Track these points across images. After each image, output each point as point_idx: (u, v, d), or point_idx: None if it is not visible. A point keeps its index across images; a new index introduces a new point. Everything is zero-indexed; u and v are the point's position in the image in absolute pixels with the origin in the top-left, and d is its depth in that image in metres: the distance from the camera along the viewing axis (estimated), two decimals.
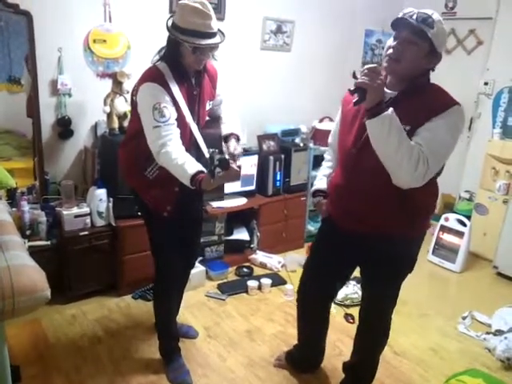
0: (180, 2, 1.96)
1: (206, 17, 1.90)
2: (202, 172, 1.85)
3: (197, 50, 1.93)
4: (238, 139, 2.18)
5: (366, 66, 1.60)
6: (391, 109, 1.58)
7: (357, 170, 1.82)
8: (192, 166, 1.87)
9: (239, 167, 1.92)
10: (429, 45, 1.65)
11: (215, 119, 2.32)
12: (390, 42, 1.71)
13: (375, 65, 1.62)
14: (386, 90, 1.68)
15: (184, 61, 2.00)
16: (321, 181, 2.15)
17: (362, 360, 2.23)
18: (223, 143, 2.17)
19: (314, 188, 2.16)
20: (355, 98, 1.60)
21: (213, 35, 1.94)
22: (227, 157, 1.84)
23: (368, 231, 1.84)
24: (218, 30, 1.99)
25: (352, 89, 1.60)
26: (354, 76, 1.62)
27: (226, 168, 1.79)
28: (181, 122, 2.00)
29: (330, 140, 2.16)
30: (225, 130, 2.22)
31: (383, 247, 1.86)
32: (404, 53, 1.65)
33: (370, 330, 2.15)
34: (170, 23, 1.97)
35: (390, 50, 1.69)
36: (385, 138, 1.58)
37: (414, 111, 1.66)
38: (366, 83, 1.56)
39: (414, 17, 1.65)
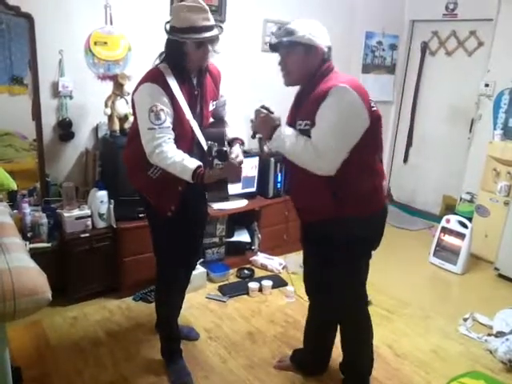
0: (173, 5, 1.99)
1: (202, 11, 1.95)
2: (202, 166, 1.90)
3: (201, 44, 1.96)
4: (242, 144, 2.20)
5: (255, 110, 1.96)
6: (280, 127, 1.89)
7: (292, 170, 2.02)
8: (192, 161, 1.93)
9: (241, 162, 2.00)
10: (302, 47, 1.86)
11: (219, 120, 2.33)
12: (278, 62, 1.98)
13: (258, 106, 1.97)
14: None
15: (189, 60, 2.02)
16: None
17: (352, 355, 2.26)
18: (227, 145, 2.18)
19: None
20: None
21: (211, 28, 1.98)
22: (225, 149, 1.86)
23: (314, 219, 2.02)
24: (215, 23, 2.03)
25: (251, 135, 2.02)
26: (251, 122, 1.99)
27: (224, 159, 1.81)
28: (181, 121, 2.01)
29: None
30: (229, 134, 2.23)
31: (327, 231, 1.98)
32: (288, 65, 1.92)
33: (343, 324, 2.23)
34: (168, 27, 2.00)
35: (280, 68, 1.97)
36: (282, 150, 1.90)
37: (309, 104, 1.85)
38: (254, 126, 1.97)
39: (276, 36, 1.95)
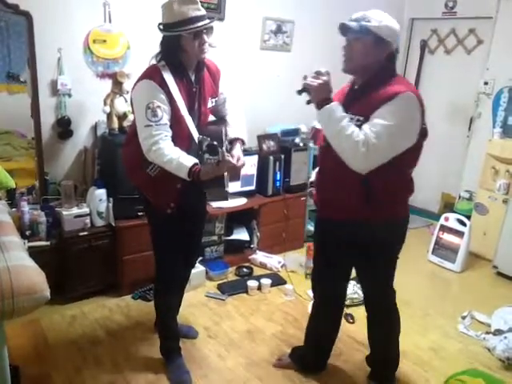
0: (162, 4, 1.99)
1: (192, 2, 1.96)
2: (198, 164, 1.90)
3: (196, 35, 1.96)
4: (243, 143, 2.19)
5: (315, 70, 1.87)
6: (335, 103, 1.82)
7: (326, 161, 2.02)
8: (188, 159, 1.92)
9: (242, 165, 1.99)
10: (373, 36, 1.81)
11: (220, 119, 2.32)
12: (342, 46, 1.92)
13: (323, 69, 1.86)
14: (355, 87, 1.95)
15: (186, 55, 2.02)
16: (314, 172, 2.29)
17: (380, 352, 2.30)
18: (226, 143, 2.17)
19: (310, 179, 2.29)
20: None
21: (203, 17, 1.98)
22: (215, 143, 1.85)
23: (341, 218, 1.99)
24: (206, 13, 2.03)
25: (299, 90, 1.91)
26: (304, 78, 1.90)
27: (214, 154, 1.80)
28: (177, 118, 2.01)
29: None
30: (230, 133, 2.21)
31: (356, 233, 1.97)
32: (352, 50, 1.87)
33: (375, 320, 2.24)
34: (161, 27, 2.01)
35: (343, 52, 1.91)
36: (326, 126, 1.85)
37: (368, 103, 1.82)
38: (307, 84, 1.87)
39: (353, 18, 1.88)
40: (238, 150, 2.12)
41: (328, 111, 1.81)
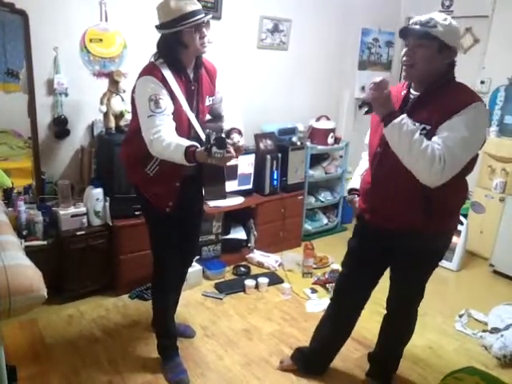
0: (157, 5, 2.00)
1: None
2: (195, 146, 1.87)
3: (197, 28, 1.97)
4: (239, 133, 2.18)
5: (373, 80, 1.73)
6: (403, 116, 1.70)
7: (381, 169, 1.92)
8: (185, 141, 1.90)
9: (241, 147, 1.99)
10: (437, 43, 1.72)
11: (217, 117, 2.33)
12: (404, 51, 1.81)
13: (382, 78, 1.73)
14: (412, 91, 1.85)
15: (187, 51, 2.02)
16: (355, 179, 2.23)
17: (390, 352, 2.30)
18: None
19: (349, 186, 2.26)
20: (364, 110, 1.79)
21: (200, 11, 1.99)
22: (223, 135, 1.85)
23: (393, 227, 1.92)
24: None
25: (360, 104, 1.81)
26: (363, 89, 1.73)
27: (222, 147, 1.80)
28: (179, 113, 2.02)
29: (365, 141, 2.18)
30: (227, 125, 2.22)
31: (408, 242, 1.93)
32: (416, 57, 1.76)
33: (396, 322, 2.23)
34: (160, 27, 2.02)
35: (404, 58, 1.79)
36: (397, 143, 1.72)
37: (435, 110, 1.73)
38: (371, 98, 1.74)
39: (417, 23, 1.76)
40: (236, 136, 2.11)
41: (398, 125, 1.69)
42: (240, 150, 2.01)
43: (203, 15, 1.98)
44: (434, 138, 1.70)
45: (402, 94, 1.90)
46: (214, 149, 1.79)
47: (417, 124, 1.73)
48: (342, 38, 4.44)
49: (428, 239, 1.91)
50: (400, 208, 1.88)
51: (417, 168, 1.70)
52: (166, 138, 1.90)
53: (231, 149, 1.87)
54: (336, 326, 2.30)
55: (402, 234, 1.91)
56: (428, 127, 1.73)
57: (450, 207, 1.91)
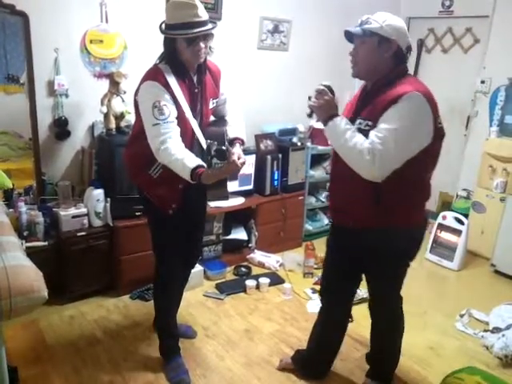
0: (166, 3, 1.98)
1: (192, 7, 1.93)
2: (202, 166, 1.88)
3: (190, 41, 1.94)
4: (242, 143, 2.18)
5: (316, 88, 1.87)
6: (338, 117, 1.82)
7: (336, 167, 1.98)
8: (191, 160, 1.90)
9: (243, 163, 1.96)
10: (377, 37, 1.80)
11: (220, 119, 2.32)
12: (350, 52, 1.92)
13: (322, 87, 1.87)
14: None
15: (183, 58, 2.01)
16: None
17: (379, 351, 2.30)
18: (227, 144, 2.17)
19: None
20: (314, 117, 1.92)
21: (203, 24, 1.95)
22: (224, 148, 1.85)
23: (351, 224, 1.96)
24: (209, 19, 2.00)
25: (307, 112, 1.93)
26: (309, 99, 1.90)
27: (223, 159, 1.80)
28: (181, 119, 2.01)
29: None
30: (230, 133, 2.20)
31: (366, 239, 1.94)
32: (358, 55, 1.87)
33: (377, 320, 2.25)
34: (163, 26, 2.01)
35: (350, 58, 1.91)
36: (333, 143, 1.86)
37: (377, 105, 1.79)
38: (312, 105, 1.88)
39: (357, 24, 1.88)
40: (238, 149, 2.10)
41: (332, 127, 1.82)
42: (240, 167, 1.98)
43: (202, 29, 1.94)
44: (371, 132, 1.75)
45: (358, 94, 1.98)
46: (215, 160, 1.80)
47: (361, 121, 1.82)
48: (342, 38, 4.38)
49: (382, 236, 1.90)
50: (353, 204, 1.93)
51: (351, 163, 1.79)
52: (172, 150, 1.90)
53: (235, 156, 1.86)
54: (327, 323, 2.31)
55: (358, 230, 1.94)
56: (370, 123, 1.79)
57: (404, 204, 1.88)
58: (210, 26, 1.98)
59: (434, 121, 1.76)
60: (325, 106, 1.85)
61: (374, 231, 1.90)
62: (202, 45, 1.98)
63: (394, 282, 2.12)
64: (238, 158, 2.01)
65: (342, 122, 1.81)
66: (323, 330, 2.32)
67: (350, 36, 1.90)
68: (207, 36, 2.00)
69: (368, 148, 1.71)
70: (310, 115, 1.93)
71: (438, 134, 1.81)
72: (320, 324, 2.33)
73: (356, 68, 1.89)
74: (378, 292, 2.17)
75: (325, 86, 1.88)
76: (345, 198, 1.97)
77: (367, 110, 1.84)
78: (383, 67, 1.84)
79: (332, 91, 1.89)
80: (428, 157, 1.82)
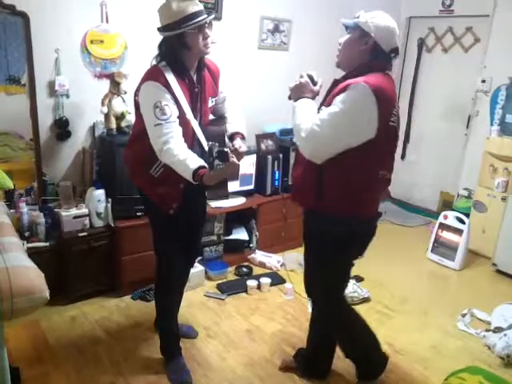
0: (159, 7, 2.01)
1: None
2: (204, 167, 1.88)
3: (200, 29, 1.97)
4: (243, 138, 2.20)
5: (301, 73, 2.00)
6: (300, 101, 1.93)
7: (297, 150, 1.99)
8: (194, 161, 1.90)
9: (243, 152, 2.03)
10: (359, 30, 1.86)
11: (220, 117, 2.33)
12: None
13: (310, 72, 2.01)
14: None
15: (190, 52, 2.02)
16: None
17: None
18: (228, 141, 2.19)
19: None
20: None
21: (202, 12, 1.99)
22: (226, 149, 1.85)
23: (300, 205, 2.09)
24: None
25: (289, 96, 2.02)
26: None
27: (224, 160, 1.81)
28: (182, 119, 2.02)
29: None
30: (230, 129, 2.23)
31: (308, 221, 2.08)
32: (342, 45, 1.94)
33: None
34: (163, 29, 2.01)
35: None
36: (292, 119, 1.92)
37: (333, 95, 1.84)
38: (289, 87, 1.99)
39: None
40: (238, 141, 2.14)
41: (296, 105, 1.93)
42: (241, 156, 2.05)
43: (206, 16, 1.98)
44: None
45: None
46: (217, 161, 1.80)
47: (323, 108, 1.87)
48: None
49: (321, 219, 1.95)
50: (301, 185, 2.00)
51: (295, 140, 1.92)
52: (175, 151, 1.91)
53: (234, 159, 1.87)
54: (316, 322, 2.33)
55: (305, 212, 2.06)
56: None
57: (345, 194, 1.88)
58: (208, 14, 2.02)
59: (381, 116, 1.75)
60: (298, 87, 1.96)
61: (316, 215, 1.97)
62: (209, 32, 2.01)
63: (317, 271, 2.10)
64: (239, 147, 2.07)
65: (305, 103, 1.91)
66: (315, 328, 2.35)
67: (346, 29, 1.98)
68: (210, 24, 2.03)
69: (307, 127, 1.80)
70: (289, 97, 2.02)
71: (389, 132, 1.83)
72: (311, 322, 2.37)
73: (338, 58, 1.97)
74: (308, 280, 2.19)
75: (308, 74, 2.00)
76: (296, 180, 2.05)
77: (329, 98, 1.89)
78: (357, 59, 1.89)
79: (313, 80, 1.99)
80: (373, 153, 1.81)
